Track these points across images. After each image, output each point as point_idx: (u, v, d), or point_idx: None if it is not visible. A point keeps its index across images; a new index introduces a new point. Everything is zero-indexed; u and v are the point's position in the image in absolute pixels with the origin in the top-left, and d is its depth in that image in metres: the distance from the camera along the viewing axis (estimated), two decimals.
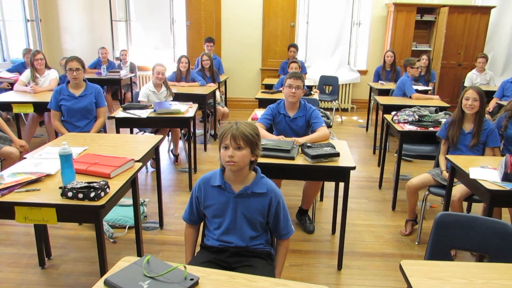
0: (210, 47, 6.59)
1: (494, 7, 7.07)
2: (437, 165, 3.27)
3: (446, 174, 3.05)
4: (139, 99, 4.48)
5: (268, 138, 2.90)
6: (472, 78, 6.28)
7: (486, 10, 7.06)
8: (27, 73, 4.91)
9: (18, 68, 6.01)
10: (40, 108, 4.38)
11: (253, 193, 1.85)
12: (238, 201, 1.86)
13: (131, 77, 6.78)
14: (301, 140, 2.88)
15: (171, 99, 4.58)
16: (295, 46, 6.80)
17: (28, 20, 7.32)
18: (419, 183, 3.20)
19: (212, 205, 1.90)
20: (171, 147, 5.08)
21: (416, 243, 3.21)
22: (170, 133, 4.88)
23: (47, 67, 5.02)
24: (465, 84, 6.32)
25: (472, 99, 3.00)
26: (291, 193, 4.00)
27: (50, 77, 4.97)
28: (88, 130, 3.80)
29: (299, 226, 3.41)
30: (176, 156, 4.87)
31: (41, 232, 2.77)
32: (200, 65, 5.92)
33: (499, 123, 3.24)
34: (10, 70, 6.01)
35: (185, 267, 1.40)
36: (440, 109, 4.07)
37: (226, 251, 1.90)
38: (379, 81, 6.29)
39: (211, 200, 1.90)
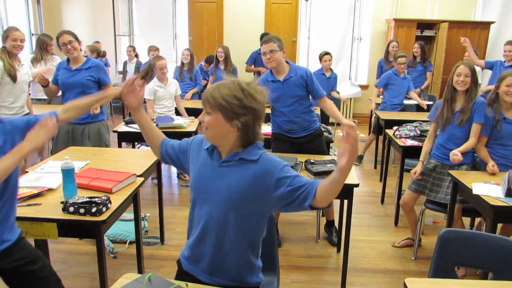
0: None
1: (493, 22, 7.13)
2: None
3: (418, 168, 3.06)
4: (145, 97, 4.37)
5: (271, 154, 2.89)
6: None
7: (485, 26, 7.12)
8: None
9: None
10: None
11: (242, 159, 1.47)
12: (222, 171, 1.48)
13: None
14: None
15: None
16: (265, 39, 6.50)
17: (33, 34, 7.39)
18: (408, 200, 3.18)
19: (194, 169, 1.57)
20: None
21: (413, 258, 3.19)
22: None
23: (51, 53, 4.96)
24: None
25: (464, 75, 2.88)
26: None
27: (54, 63, 4.80)
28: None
29: (326, 239, 3.44)
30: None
31: (41, 247, 2.75)
32: (214, 59, 5.96)
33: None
34: None
35: (186, 284, 1.38)
36: None
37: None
38: (381, 96, 6.29)
39: (196, 162, 1.57)
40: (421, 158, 3.15)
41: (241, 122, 1.41)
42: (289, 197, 1.41)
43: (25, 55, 4.93)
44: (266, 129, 3.88)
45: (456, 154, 2.80)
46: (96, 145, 3.52)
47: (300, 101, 3.12)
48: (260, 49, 6.39)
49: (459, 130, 2.95)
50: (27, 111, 3.77)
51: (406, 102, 5.25)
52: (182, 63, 5.65)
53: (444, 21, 7.12)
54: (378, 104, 5.69)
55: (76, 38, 3.38)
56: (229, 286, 1.52)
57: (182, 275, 1.61)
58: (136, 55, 7.17)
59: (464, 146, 2.89)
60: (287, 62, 3.12)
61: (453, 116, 2.95)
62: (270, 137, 3.37)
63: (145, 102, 4.21)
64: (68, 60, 3.46)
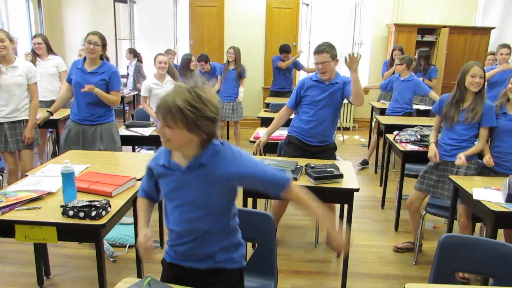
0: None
1: (493, 28, 7.14)
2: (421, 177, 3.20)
3: (433, 149, 3.08)
4: (141, 94, 4.40)
5: (271, 158, 2.90)
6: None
7: (486, 31, 7.13)
8: None
9: None
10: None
11: (202, 164, 1.47)
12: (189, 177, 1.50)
13: (134, 95, 6.82)
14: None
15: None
16: (287, 51, 6.37)
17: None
18: (415, 199, 3.20)
19: (164, 182, 1.58)
20: None
21: (414, 262, 3.18)
22: None
23: (51, 52, 4.83)
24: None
25: (479, 76, 2.88)
26: (293, 212, 3.96)
27: (54, 63, 4.79)
28: (98, 113, 3.45)
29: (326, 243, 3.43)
30: None
31: (40, 251, 2.75)
32: (227, 61, 6.02)
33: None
34: None
35: None
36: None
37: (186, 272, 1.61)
38: (381, 101, 6.30)
39: (162, 179, 1.59)
40: (432, 140, 3.19)
41: (205, 132, 1.41)
42: (257, 186, 1.56)
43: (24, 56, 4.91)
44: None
45: (460, 158, 2.83)
46: (110, 147, 3.48)
47: (335, 108, 3.14)
48: (281, 55, 6.44)
49: (462, 128, 2.96)
50: (25, 116, 3.60)
51: (415, 106, 5.22)
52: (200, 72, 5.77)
53: (444, 26, 7.14)
54: (379, 109, 5.70)
55: (103, 45, 3.40)
56: (209, 269, 1.58)
57: (166, 270, 1.68)
58: (138, 57, 7.16)
59: (472, 150, 2.91)
60: None
61: (459, 115, 2.96)
62: (280, 141, 3.38)
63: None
64: (84, 60, 3.45)
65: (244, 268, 1.67)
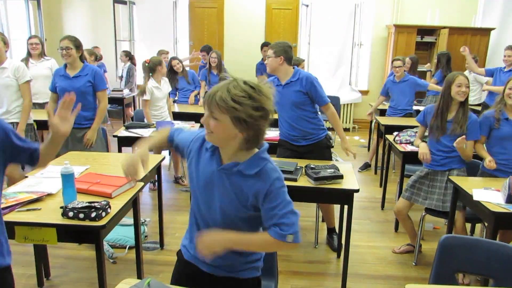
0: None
1: (493, 29, 7.15)
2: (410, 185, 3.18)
3: (425, 148, 3.08)
4: (145, 98, 4.26)
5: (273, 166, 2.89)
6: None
7: (485, 32, 7.13)
8: None
9: None
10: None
11: (240, 171, 1.42)
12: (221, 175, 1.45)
13: (133, 96, 6.82)
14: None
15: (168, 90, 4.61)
16: (267, 45, 6.25)
17: None
18: (402, 207, 3.18)
19: (195, 167, 1.52)
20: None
21: (413, 263, 3.18)
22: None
23: (44, 54, 4.82)
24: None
25: (465, 85, 2.89)
26: None
27: (47, 65, 4.76)
28: (87, 116, 3.51)
29: (327, 244, 3.46)
30: (179, 178, 4.84)
31: (40, 252, 2.75)
32: (207, 64, 5.86)
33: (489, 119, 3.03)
34: None
35: None
36: None
37: (199, 272, 1.58)
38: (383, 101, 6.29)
39: (196, 161, 1.52)
40: (419, 142, 3.23)
41: (252, 129, 1.35)
42: (264, 215, 1.43)
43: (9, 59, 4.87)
44: (270, 134, 3.89)
45: (457, 142, 2.81)
46: (100, 149, 3.52)
47: (301, 107, 3.10)
48: (262, 60, 6.43)
49: (449, 139, 2.96)
50: (16, 119, 3.56)
51: (415, 107, 5.20)
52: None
53: (444, 27, 7.14)
54: (379, 110, 5.69)
55: (77, 47, 3.42)
56: (226, 277, 1.56)
57: (182, 265, 1.64)
58: (132, 59, 7.14)
59: (462, 151, 2.91)
60: (294, 68, 3.13)
61: (445, 126, 2.97)
62: (277, 142, 3.38)
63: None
64: (65, 66, 3.51)
65: (261, 275, 1.65)
